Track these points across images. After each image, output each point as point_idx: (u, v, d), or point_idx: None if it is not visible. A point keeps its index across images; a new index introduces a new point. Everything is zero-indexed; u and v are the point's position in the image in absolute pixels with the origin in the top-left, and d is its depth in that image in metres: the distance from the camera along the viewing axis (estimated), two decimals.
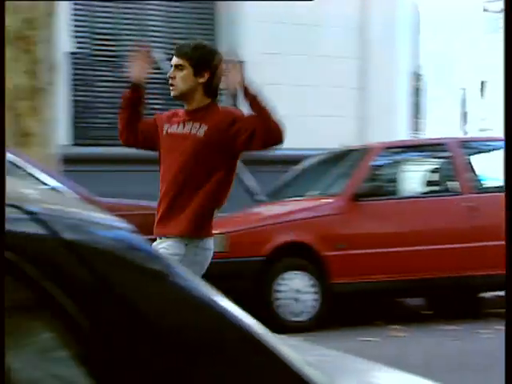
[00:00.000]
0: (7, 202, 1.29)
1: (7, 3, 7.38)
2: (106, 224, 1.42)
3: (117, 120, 4.43)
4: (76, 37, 10.72)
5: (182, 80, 4.08)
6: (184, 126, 4.12)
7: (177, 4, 11.42)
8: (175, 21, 11.47)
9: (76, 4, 10.57)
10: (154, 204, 7.51)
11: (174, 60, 4.15)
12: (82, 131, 11.15)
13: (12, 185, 1.52)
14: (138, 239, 1.42)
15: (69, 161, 8.57)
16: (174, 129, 4.14)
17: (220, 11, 11.52)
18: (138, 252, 1.39)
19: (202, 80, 4.07)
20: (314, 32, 11.38)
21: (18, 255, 1.22)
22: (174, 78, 4.11)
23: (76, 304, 1.24)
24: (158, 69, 9.85)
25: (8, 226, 1.26)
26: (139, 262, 1.37)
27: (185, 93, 4.09)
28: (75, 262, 1.28)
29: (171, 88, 4.13)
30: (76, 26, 10.67)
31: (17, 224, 1.28)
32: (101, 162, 10.54)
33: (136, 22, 11.25)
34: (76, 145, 10.77)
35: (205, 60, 4.09)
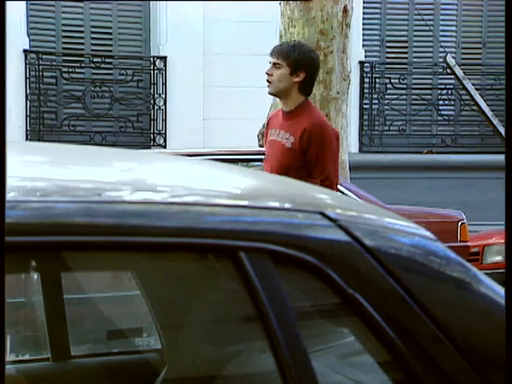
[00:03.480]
0: (311, 209, 1.31)
1: (304, 17, 7.62)
2: (406, 230, 1.40)
3: (404, 127, 4.50)
4: (367, 45, 10.84)
5: (278, 78, 4.19)
6: (279, 134, 4.24)
7: (469, 6, 11.17)
8: (467, 24, 11.23)
9: (365, 14, 10.68)
10: (441, 211, 7.41)
11: (272, 58, 4.24)
12: (371, 139, 11.23)
13: (309, 191, 1.54)
14: (439, 246, 1.38)
15: (357, 168, 8.67)
16: (275, 136, 4.26)
17: None
18: (439, 259, 1.35)
19: (297, 79, 4.16)
20: None
21: (324, 262, 1.24)
22: (271, 75, 4.21)
23: (380, 311, 1.23)
24: (450, 74, 9.68)
25: (314, 233, 1.28)
26: (440, 269, 1.33)
27: (280, 90, 4.21)
28: (377, 268, 1.27)
29: (267, 85, 4.25)
30: (367, 34, 10.79)
31: (323, 231, 1.29)
32: (389, 169, 10.56)
33: (426, 27, 11.14)
34: (364, 152, 10.88)
35: (301, 60, 4.18)
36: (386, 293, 1.26)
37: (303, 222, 1.29)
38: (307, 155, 4.15)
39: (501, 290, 1.35)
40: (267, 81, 4.30)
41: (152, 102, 10.03)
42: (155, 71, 10.03)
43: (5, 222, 1.13)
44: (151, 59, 10.03)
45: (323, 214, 1.31)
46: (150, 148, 9.71)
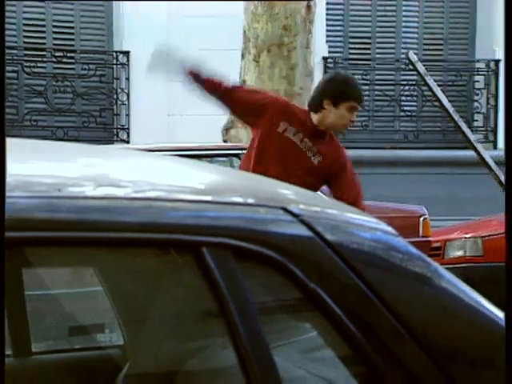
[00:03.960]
0: (274, 204, 1.31)
1: (267, 13, 7.62)
2: (368, 225, 1.41)
3: (367, 123, 4.55)
4: (330, 41, 10.87)
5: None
6: (302, 140, 4.18)
7: (431, 3, 11.25)
8: (429, 21, 11.31)
9: (328, 9, 10.71)
10: (403, 206, 7.45)
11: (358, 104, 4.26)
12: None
13: (273, 187, 1.55)
14: (400, 241, 1.39)
15: None
16: (291, 135, 4.18)
17: None
18: (400, 254, 1.36)
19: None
20: None
21: (285, 257, 1.24)
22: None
23: (341, 305, 1.24)
24: (412, 70, 9.74)
25: (275, 228, 1.28)
26: (401, 264, 1.34)
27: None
28: (338, 263, 1.28)
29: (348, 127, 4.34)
30: (330, 30, 10.82)
31: (283, 226, 1.29)
32: (352, 164, 10.59)
33: (389, 24, 11.20)
34: None
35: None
36: (347, 287, 1.27)
37: (265, 217, 1.29)
38: (335, 177, 4.27)
39: (462, 285, 1.36)
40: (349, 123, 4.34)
41: (115, 96, 9.97)
42: (118, 66, 9.97)
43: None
44: (114, 54, 9.97)
45: (286, 210, 1.31)
46: (112, 143, 9.66)
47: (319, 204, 1.45)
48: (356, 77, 11.56)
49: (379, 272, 1.31)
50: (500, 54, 11.04)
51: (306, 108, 4.31)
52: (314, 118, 4.23)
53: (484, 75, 11.29)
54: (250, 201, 1.31)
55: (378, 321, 1.25)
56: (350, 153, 12.07)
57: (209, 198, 1.31)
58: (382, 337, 1.24)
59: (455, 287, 1.32)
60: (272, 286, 1.27)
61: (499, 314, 1.31)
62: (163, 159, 1.66)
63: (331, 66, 10.92)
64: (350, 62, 11.04)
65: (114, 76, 9.95)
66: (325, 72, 10.81)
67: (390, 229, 1.42)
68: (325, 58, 10.75)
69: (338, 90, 4.19)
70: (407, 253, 1.36)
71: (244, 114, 4.42)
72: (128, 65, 9.93)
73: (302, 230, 1.29)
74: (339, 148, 4.32)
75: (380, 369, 1.21)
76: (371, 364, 1.22)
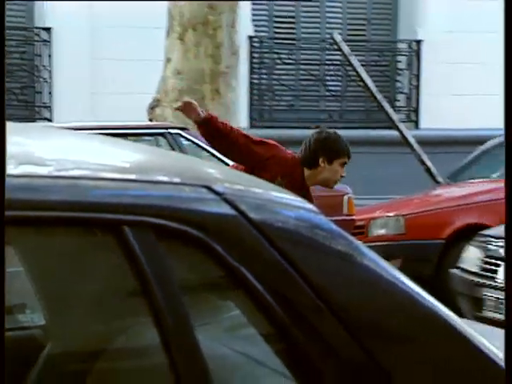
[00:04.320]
0: (197, 182, 1.31)
1: None
2: (291, 204, 1.42)
3: (293, 102, 4.65)
4: (256, 20, 10.87)
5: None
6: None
7: None
8: (352, 1, 11.40)
9: None
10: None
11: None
12: (260, 114, 11.30)
13: (198, 166, 1.55)
14: (322, 219, 1.41)
15: None
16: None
17: None
18: (322, 232, 1.38)
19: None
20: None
21: (208, 235, 1.24)
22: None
23: (263, 283, 1.25)
24: (337, 50, 9.82)
25: (199, 206, 1.29)
26: (323, 242, 1.36)
27: None
28: (262, 241, 1.29)
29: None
30: (256, 9, 10.81)
31: (207, 204, 1.30)
32: (279, 143, 10.63)
33: (314, 3, 11.25)
34: (254, 127, 10.94)
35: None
36: (270, 265, 1.28)
37: (189, 196, 1.29)
38: None
39: (382, 262, 1.38)
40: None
41: (37, 74, 9.79)
42: (40, 43, 9.78)
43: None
44: (35, 30, 9.77)
45: (209, 188, 1.31)
46: (34, 121, 9.49)
47: (243, 183, 1.46)
48: (281, 56, 11.65)
49: (302, 250, 1.32)
50: (422, 34, 11.20)
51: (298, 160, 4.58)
52: (307, 173, 4.56)
53: (406, 55, 11.44)
54: (174, 179, 1.31)
55: (300, 298, 1.26)
56: (276, 132, 12.19)
57: (133, 176, 1.30)
58: (303, 313, 1.26)
59: (376, 264, 1.35)
60: (195, 265, 1.28)
61: (419, 290, 1.34)
62: (87, 138, 1.64)
63: (257, 45, 10.92)
64: (276, 41, 11.07)
65: (36, 53, 9.77)
66: (250, 51, 10.81)
67: (312, 207, 1.44)
68: (250, 37, 10.75)
69: (333, 147, 4.59)
70: (329, 231, 1.38)
71: (239, 161, 4.54)
72: (50, 42, 9.76)
73: (226, 209, 1.30)
74: (311, 196, 4.55)
75: (301, 344, 1.23)
76: (293, 340, 1.23)
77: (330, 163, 4.52)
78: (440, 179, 9.06)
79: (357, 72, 9.60)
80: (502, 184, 8.07)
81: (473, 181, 8.10)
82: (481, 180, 8.05)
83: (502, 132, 6.25)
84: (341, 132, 11.86)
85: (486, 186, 7.84)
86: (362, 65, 9.76)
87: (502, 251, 4.95)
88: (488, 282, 4.87)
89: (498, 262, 4.75)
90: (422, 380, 1.26)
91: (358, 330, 1.25)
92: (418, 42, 11.42)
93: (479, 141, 8.93)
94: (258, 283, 1.25)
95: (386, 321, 1.29)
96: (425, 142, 10.10)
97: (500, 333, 2.28)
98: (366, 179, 10.17)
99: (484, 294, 4.83)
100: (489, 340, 1.35)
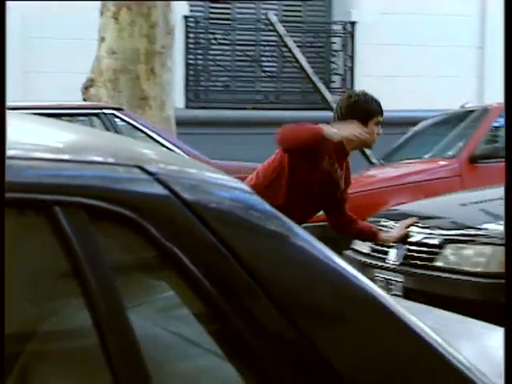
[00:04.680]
0: (129, 162, 1.31)
1: None
2: (226, 184, 1.43)
3: (229, 83, 4.59)
4: (191, 0, 10.80)
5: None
6: (336, 170, 4.49)
7: None
8: None
9: None
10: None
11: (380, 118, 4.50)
12: (196, 94, 11.25)
13: (132, 146, 1.54)
14: (257, 200, 1.42)
15: (182, 123, 8.68)
16: (330, 166, 4.44)
17: None
18: (258, 213, 1.38)
19: None
20: None
21: (141, 215, 1.24)
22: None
23: (196, 263, 1.25)
24: (272, 31, 9.83)
25: (131, 187, 1.28)
26: (259, 223, 1.36)
27: None
28: (195, 221, 1.29)
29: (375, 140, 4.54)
30: None
31: (139, 184, 1.29)
32: (215, 124, 10.64)
33: None
34: (190, 107, 10.90)
35: None
36: (204, 246, 1.28)
37: (121, 176, 1.29)
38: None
39: (316, 243, 1.39)
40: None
41: None
42: None
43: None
44: None
45: (141, 168, 1.31)
46: None
47: (178, 163, 1.46)
48: (217, 37, 11.59)
49: (235, 230, 1.32)
50: (356, 16, 11.27)
51: None
52: (347, 142, 4.44)
53: (341, 37, 11.51)
54: (107, 160, 1.30)
55: (233, 278, 1.27)
56: (212, 113, 12.14)
57: (66, 156, 1.29)
58: (236, 293, 1.26)
59: (310, 245, 1.36)
60: (128, 246, 1.27)
61: (353, 271, 1.36)
62: (20, 117, 1.62)
63: (192, 25, 10.87)
64: (211, 21, 11.02)
65: None
66: (186, 31, 10.75)
67: (247, 188, 1.44)
68: (186, 17, 10.68)
69: (365, 109, 4.47)
70: (264, 211, 1.39)
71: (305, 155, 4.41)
72: None
73: (158, 189, 1.29)
74: (348, 163, 4.61)
75: (234, 324, 1.24)
76: (226, 320, 1.24)
77: (366, 125, 4.45)
78: (374, 160, 9.16)
79: (292, 53, 9.63)
80: (434, 164, 8.22)
81: (406, 161, 8.22)
82: (414, 161, 8.17)
83: (435, 113, 6.36)
84: (276, 113, 11.97)
85: (419, 167, 7.96)
86: (298, 46, 9.79)
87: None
88: (378, 263, 4.91)
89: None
90: (356, 358, 1.28)
91: (292, 309, 1.26)
92: (353, 23, 11.49)
93: (413, 122, 9.05)
94: (190, 263, 1.25)
95: (320, 300, 1.31)
96: None
97: (426, 309, 2.32)
98: None
99: (375, 275, 4.89)
100: (417, 317, 1.37)
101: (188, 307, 1.27)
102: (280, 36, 9.51)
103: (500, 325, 2.30)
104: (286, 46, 9.66)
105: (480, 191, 4.60)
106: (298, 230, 1.40)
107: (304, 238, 1.38)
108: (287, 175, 4.39)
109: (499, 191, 5.42)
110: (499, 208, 5.46)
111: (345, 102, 4.57)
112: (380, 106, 4.53)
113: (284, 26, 9.74)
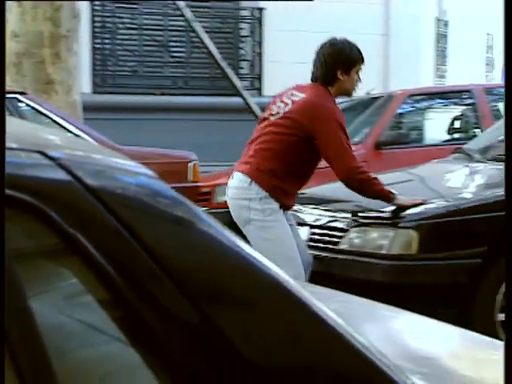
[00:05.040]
0: (31, 147, 1.28)
1: None
2: (131, 170, 1.41)
3: (137, 68, 4.50)
4: None
5: None
6: None
7: None
8: None
9: None
10: (172, 152, 7.53)
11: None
12: (103, 79, 11.11)
13: (35, 131, 1.51)
14: (162, 186, 1.41)
15: (89, 108, 8.57)
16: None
17: None
18: (163, 198, 1.38)
19: None
20: None
21: (42, 201, 1.22)
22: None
23: (101, 250, 1.24)
24: (181, 16, 9.77)
25: (32, 172, 1.26)
26: (164, 209, 1.36)
27: None
28: (99, 207, 1.28)
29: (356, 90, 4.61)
30: None
31: (40, 170, 1.27)
32: (123, 110, 10.53)
33: None
34: (97, 93, 10.76)
35: None
36: (107, 232, 1.27)
37: (22, 162, 1.26)
38: None
39: (222, 229, 1.39)
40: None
41: None
42: None
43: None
44: None
45: (43, 153, 1.28)
46: None
47: (82, 149, 1.44)
48: (124, 21, 11.46)
49: (140, 216, 1.32)
50: (264, 2, 11.30)
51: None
52: (331, 91, 4.50)
53: (249, 23, 11.53)
54: (10, 145, 1.28)
55: (138, 264, 1.26)
56: (120, 98, 12.03)
57: None
58: (141, 279, 1.25)
59: (216, 231, 1.36)
60: (30, 232, 1.25)
61: (259, 257, 1.37)
62: None
63: (98, 8, 10.71)
64: (118, 5, 10.89)
65: None
66: (92, 15, 10.59)
67: (152, 173, 1.43)
68: (92, 0, 10.52)
69: (348, 58, 4.48)
70: (169, 197, 1.38)
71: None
72: None
73: (60, 175, 1.27)
74: None
75: (138, 311, 1.23)
76: (130, 306, 1.23)
77: (348, 74, 4.47)
78: None
79: (200, 38, 9.60)
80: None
81: None
82: None
83: (340, 100, 6.39)
84: (185, 99, 11.92)
85: None
86: (206, 31, 9.77)
87: (299, 215, 5.09)
88: None
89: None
90: (262, 343, 1.29)
91: (197, 294, 1.26)
92: (260, 9, 11.53)
93: None
94: (94, 250, 1.23)
95: (225, 285, 1.31)
96: None
97: (332, 293, 2.35)
98: (211, 146, 10.24)
99: None
100: (323, 301, 1.39)
101: (91, 294, 1.26)
102: (188, 21, 9.47)
103: (402, 306, 2.35)
104: (194, 31, 9.63)
105: (383, 175, 4.69)
106: (204, 215, 1.40)
107: (210, 223, 1.38)
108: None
109: (402, 175, 5.54)
110: (401, 191, 5.60)
111: (328, 49, 4.54)
112: (361, 53, 4.55)
113: (192, 11, 9.69)
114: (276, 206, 4.41)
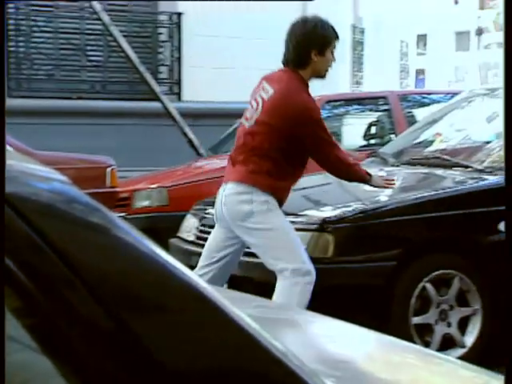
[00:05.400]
0: None
1: None
2: (44, 176, 1.40)
3: (53, 72, 4.42)
4: None
5: None
6: None
7: None
8: None
9: None
10: (90, 157, 7.45)
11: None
12: (18, 83, 10.93)
13: None
14: (77, 192, 1.40)
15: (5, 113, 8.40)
16: None
17: None
18: (77, 205, 1.36)
19: None
20: None
21: None
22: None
23: (12, 257, 1.22)
24: (98, 19, 9.68)
25: None
26: (78, 215, 1.35)
27: None
28: (11, 215, 1.26)
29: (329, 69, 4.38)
30: None
31: None
32: (39, 114, 10.38)
33: None
34: (11, 97, 10.57)
35: None
36: (20, 239, 1.25)
37: None
38: None
39: (137, 234, 1.39)
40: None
41: None
42: None
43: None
44: None
45: None
46: None
47: None
48: (39, 24, 11.30)
49: (54, 223, 1.30)
50: (182, 7, 11.30)
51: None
52: (304, 74, 4.22)
53: (168, 27, 11.51)
54: None
55: (52, 271, 1.25)
56: (36, 103, 11.84)
57: None
58: (55, 287, 1.24)
59: (131, 236, 1.36)
60: None
61: (174, 261, 1.37)
62: None
63: (12, 11, 10.53)
64: (32, 8, 10.74)
65: None
66: (6, 18, 10.40)
67: (66, 179, 1.42)
68: (5, 3, 10.34)
69: (324, 36, 4.13)
70: (84, 203, 1.37)
71: None
72: None
73: None
74: None
75: (52, 319, 1.22)
76: (44, 314, 1.22)
77: (323, 54, 4.18)
78: (202, 151, 9.23)
79: (118, 43, 9.53)
80: None
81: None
82: None
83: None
84: (103, 103, 11.81)
85: None
86: (124, 35, 9.70)
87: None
88: (201, 251, 4.97)
89: (211, 231, 4.84)
90: (178, 348, 1.29)
91: (111, 300, 1.25)
92: (179, 14, 11.52)
93: (240, 114, 9.17)
94: (8, 259, 1.22)
95: (141, 291, 1.31)
96: (187, 115, 10.22)
97: (250, 298, 2.36)
98: (130, 151, 10.17)
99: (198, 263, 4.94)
100: (240, 307, 1.40)
101: (5, 302, 1.24)
102: (105, 25, 9.39)
103: (319, 310, 2.37)
104: (111, 35, 9.56)
105: (303, 178, 4.75)
106: (120, 222, 1.39)
107: (125, 229, 1.37)
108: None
109: (321, 178, 5.60)
110: (318, 195, 5.64)
111: (300, 28, 4.21)
112: (335, 30, 4.22)
113: (109, 15, 9.62)
114: (276, 203, 4.35)
